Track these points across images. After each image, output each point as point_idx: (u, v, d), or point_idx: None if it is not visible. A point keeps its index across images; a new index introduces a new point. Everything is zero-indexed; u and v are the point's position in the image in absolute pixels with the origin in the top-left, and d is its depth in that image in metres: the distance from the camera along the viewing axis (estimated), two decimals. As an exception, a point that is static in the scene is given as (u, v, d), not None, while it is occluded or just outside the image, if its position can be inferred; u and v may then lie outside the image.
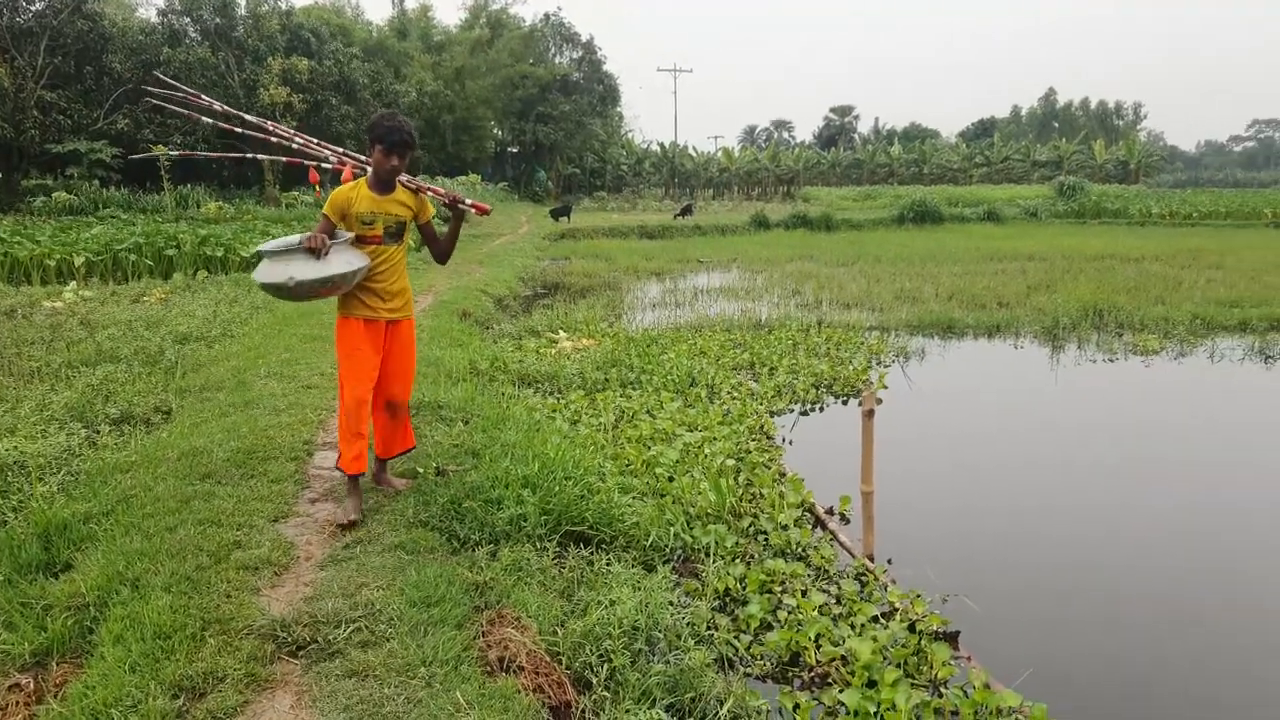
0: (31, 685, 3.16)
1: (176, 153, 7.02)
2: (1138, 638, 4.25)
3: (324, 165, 5.06)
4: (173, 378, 7.77)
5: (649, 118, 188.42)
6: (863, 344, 10.69)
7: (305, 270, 3.98)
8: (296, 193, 31.57)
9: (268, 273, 4.03)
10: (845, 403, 8.35)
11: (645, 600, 3.64)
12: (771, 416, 7.59)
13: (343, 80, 35.24)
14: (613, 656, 3.27)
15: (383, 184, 4.27)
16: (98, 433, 6.06)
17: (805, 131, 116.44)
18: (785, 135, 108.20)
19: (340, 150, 5.01)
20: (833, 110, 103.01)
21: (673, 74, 66.95)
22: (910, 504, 5.93)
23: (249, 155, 6.16)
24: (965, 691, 3.41)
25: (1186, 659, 4.06)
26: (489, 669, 3.11)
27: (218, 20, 32.10)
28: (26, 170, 28.74)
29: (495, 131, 54.95)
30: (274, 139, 5.12)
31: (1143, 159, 68.19)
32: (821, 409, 8.13)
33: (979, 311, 12.99)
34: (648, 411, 7.31)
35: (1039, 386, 9.39)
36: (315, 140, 5.05)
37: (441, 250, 4.64)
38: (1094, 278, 16.15)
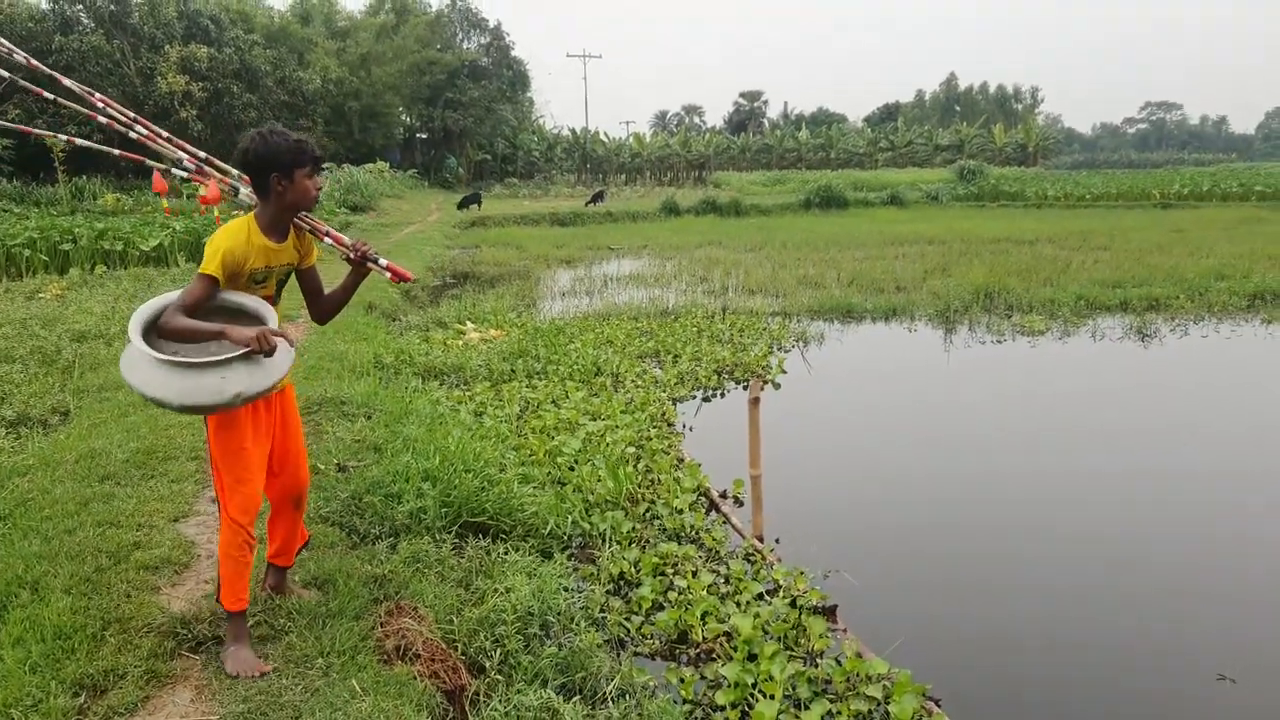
0: (-72, 692, 3.20)
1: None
2: (1006, 609, 4.59)
3: (175, 171, 3.76)
4: (70, 377, 7.64)
5: (560, 104, 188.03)
6: (765, 330, 11.05)
7: (252, 378, 2.85)
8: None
9: (186, 387, 2.80)
10: (745, 388, 8.68)
11: (540, 587, 3.84)
12: (674, 404, 7.86)
13: (244, 68, 34.28)
14: (506, 641, 3.47)
15: (281, 226, 3.18)
16: (-7, 434, 5.97)
17: (716, 117, 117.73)
18: (696, 120, 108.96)
19: (201, 154, 3.72)
20: (742, 95, 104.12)
21: (582, 60, 66.85)
22: (801, 485, 6.28)
23: (61, 138, 4.22)
24: (838, 661, 3.71)
25: (1049, 627, 4.40)
26: (386, 658, 3.28)
27: (112, 7, 30.88)
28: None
29: (404, 118, 54.11)
30: (102, 119, 3.75)
31: (1040, 142, 70.91)
32: (723, 395, 8.44)
33: (877, 296, 13.52)
34: (553, 401, 7.50)
35: (928, 369, 9.89)
36: (164, 134, 3.75)
37: (328, 309, 3.47)
38: (988, 261, 16.87)
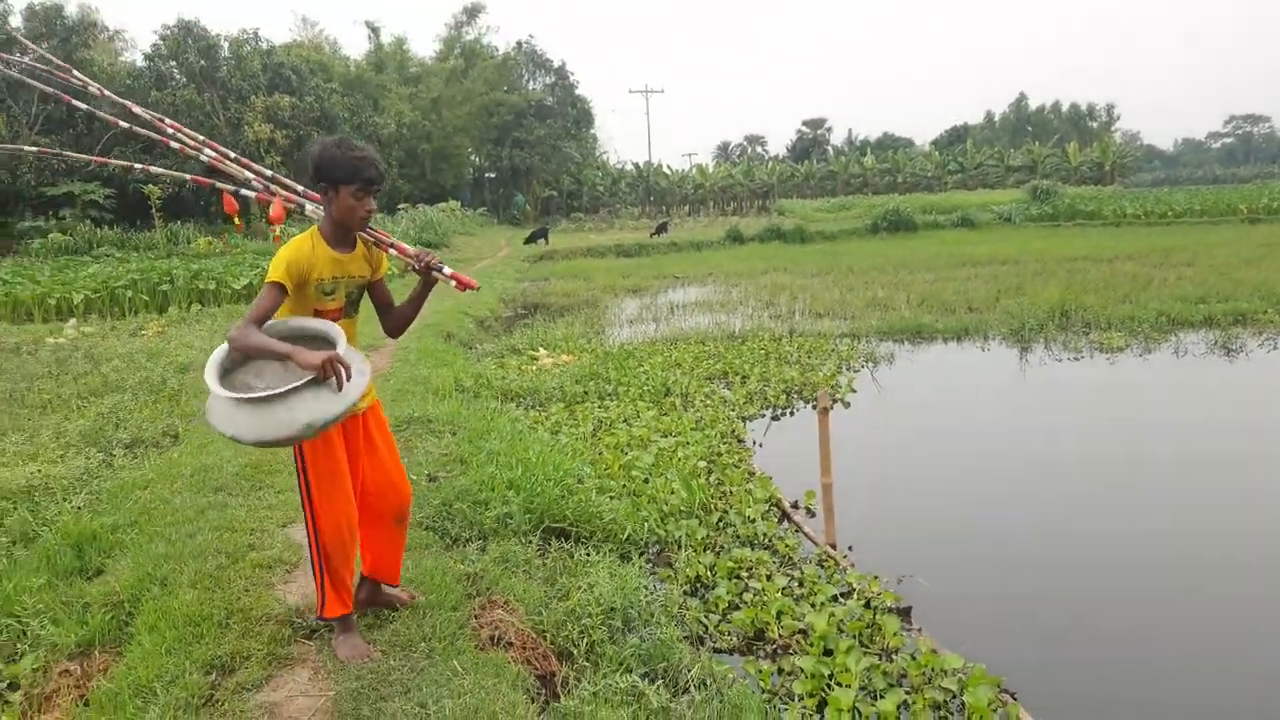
0: (79, 670, 3.58)
1: (34, 149, 4.57)
2: (1078, 614, 4.59)
3: (244, 192, 3.77)
4: (177, 404, 8.18)
5: (623, 138, 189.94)
6: (833, 351, 11.16)
7: (321, 405, 2.79)
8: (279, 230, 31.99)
9: (254, 422, 2.78)
10: (814, 407, 8.81)
11: (621, 584, 4.07)
12: (743, 422, 8.04)
13: (323, 115, 35.81)
14: (591, 632, 3.70)
15: (346, 238, 3.18)
16: (113, 456, 6.48)
17: (779, 145, 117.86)
18: (759, 150, 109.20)
19: (268, 173, 3.76)
20: (805, 123, 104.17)
21: (644, 95, 67.81)
22: (873, 498, 6.39)
23: (136, 167, 4.65)
24: (913, 657, 3.84)
25: (1126, 635, 4.40)
26: (481, 645, 3.53)
27: (202, 62, 32.65)
28: (22, 213, 29.08)
29: (473, 158, 55.65)
30: (174, 144, 3.83)
31: (1118, 160, 69.29)
32: (791, 413, 8.59)
33: (948, 316, 13.48)
34: (624, 421, 7.75)
35: (1001, 386, 9.89)
36: (232, 155, 3.81)
37: (400, 321, 3.45)
38: (1064, 279, 16.65)
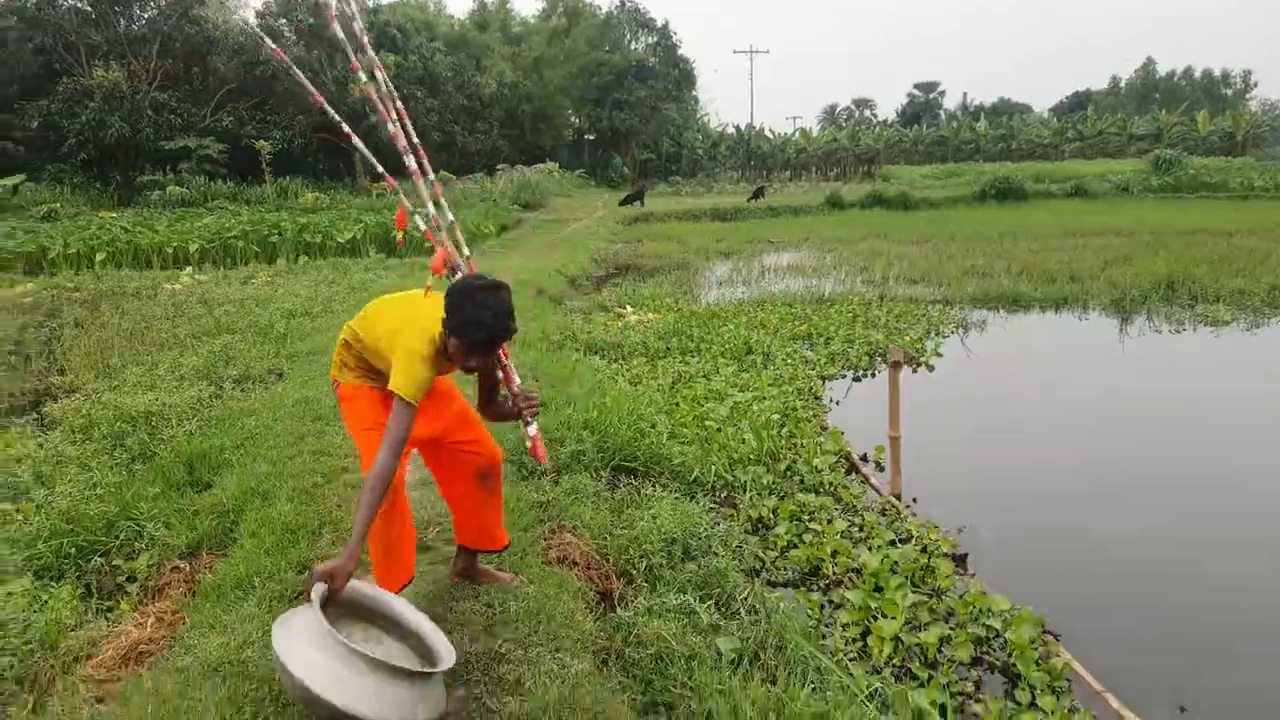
0: (187, 568, 3.98)
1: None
2: (1139, 577, 4.57)
3: (418, 219, 3.35)
4: (283, 345, 8.70)
5: (725, 100, 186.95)
6: (923, 316, 11.04)
7: (431, 704, 2.52)
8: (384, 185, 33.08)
9: (353, 690, 2.35)
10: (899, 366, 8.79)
11: (684, 518, 4.26)
12: (822, 381, 8.09)
13: (427, 74, 36.55)
14: (651, 557, 3.91)
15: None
16: (222, 389, 6.99)
17: (888, 109, 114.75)
18: (867, 114, 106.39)
19: (450, 217, 3.30)
20: (917, 86, 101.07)
21: (749, 55, 66.68)
22: (944, 456, 6.41)
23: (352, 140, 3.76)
24: (961, 597, 3.93)
25: (1182, 603, 4.37)
26: (548, 563, 3.78)
27: (310, 20, 33.66)
28: (142, 167, 30.76)
29: (572, 120, 55.90)
30: (392, 127, 3.32)
31: (1251, 130, 65.17)
32: (873, 375, 8.58)
33: (1048, 286, 13.11)
34: (704, 375, 7.90)
35: (1092, 355, 9.65)
36: (431, 175, 3.33)
37: (492, 414, 3.27)
38: (1176, 252, 15.96)
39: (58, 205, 24.11)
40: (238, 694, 2.64)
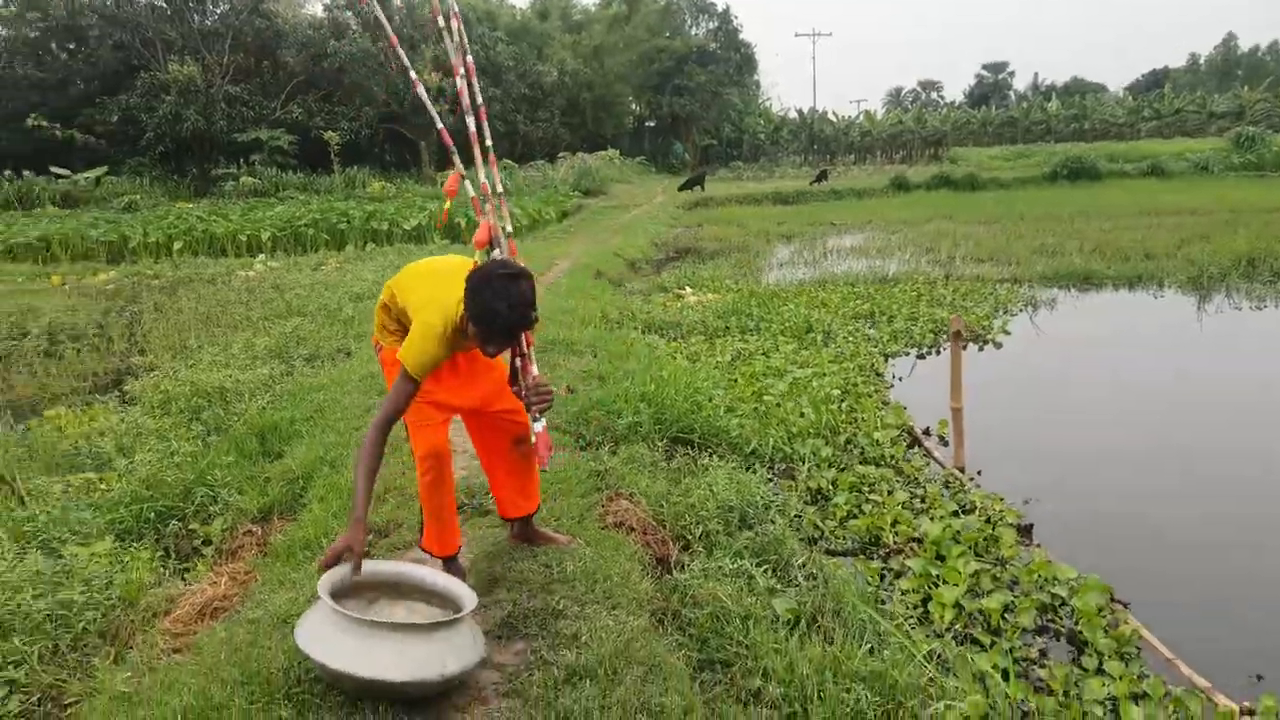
0: (260, 532, 4.11)
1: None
2: (1210, 556, 4.43)
3: (467, 185, 3.28)
4: (350, 327, 8.91)
5: (787, 84, 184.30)
6: (991, 295, 10.81)
7: (461, 653, 2.53)
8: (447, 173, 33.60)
9: (374, 659, 2.39)
10: (964, 348, 8.63)
11: (741, 488, 4.26)
12: (885, 359, 7.99)
13: (489, 63, 36.85)
14: (708, 523, 3.92)
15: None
16: (293, 366, 7.21)
17: (955, 91, 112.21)
18: (934, 96, 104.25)
19: (499, 188, 3.24)
20: (985, 67, 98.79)
21: (811, 38, 65.80)
22: (1010, 432, 6.29)
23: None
24: (1026, 565, 3.85)
25: (1260, 579, 4.22)
26: (606, 527, 3.82)
27: (374, 13, 34.23)
28: (216, 159, 31.69)
29: (633, 107, 55.84)
30: (460, 80, 3.25)
31: (1339, 104, 62.17)
32: (937, 352, 8.44)
33: (1122, 264, 12.74)
34: (763, 353, 7.86)
35: (1169, 333, 9.38)
36: (488, 142, 3.27)
37: (515, 392, 3.15)
38: (1257, 230, 15.35)
39: (137, 197, 24.95)
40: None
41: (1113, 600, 3.54)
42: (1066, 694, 2.92)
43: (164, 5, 31.38)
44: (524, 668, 2.71)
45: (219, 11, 32.15)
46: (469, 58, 3.27)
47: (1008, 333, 9.02)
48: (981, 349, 8.47)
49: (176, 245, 17.75)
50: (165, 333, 9.29)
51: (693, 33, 55.94)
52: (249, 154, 31.40)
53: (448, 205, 3.62)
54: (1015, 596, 3.58)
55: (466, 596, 2.75)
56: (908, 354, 8.35)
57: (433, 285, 2.96)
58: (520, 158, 37.10)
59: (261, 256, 16.67)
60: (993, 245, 15.29)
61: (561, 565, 3.27)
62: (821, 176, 35.06)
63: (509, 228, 3.18)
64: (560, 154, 39.06)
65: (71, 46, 31.27)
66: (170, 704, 2.49)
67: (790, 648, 2.85)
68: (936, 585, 3.60)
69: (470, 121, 3.23)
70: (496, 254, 3.11)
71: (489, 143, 3.28)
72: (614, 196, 31.70)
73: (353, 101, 32.85)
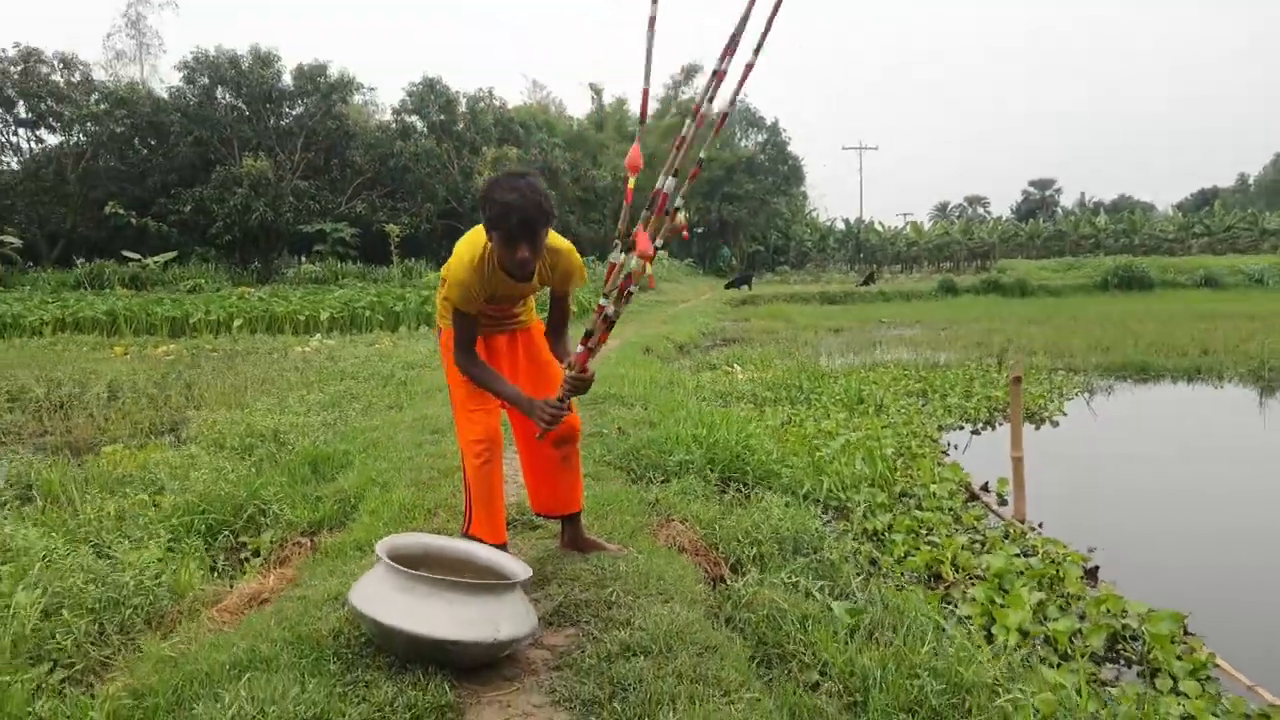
0: (309, 544, 4.10)
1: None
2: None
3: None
4: (404, 388, 9.03)
5: (835, 195, 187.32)
6: (1047, 380, 10.65)
7: (514, 620, 2.53)
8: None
9: (425, 616, 2.39)
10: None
11: (795, 518, 4.16)
12: (940, 429, 7.85)
13: (546, 167, 38.17)
14: (761, 547, 3.82)
15: (515, 272, 2.93)
16: (346, 416, 7.27)
17: (1002, 207, 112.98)
18: (980, 211, 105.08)
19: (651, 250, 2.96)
20: (1032, 183, 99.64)
21: (858, 151, 67.23)
22: (1072, 501, 6.09)
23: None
24: (1094, 599, 3.67)
25: None
26: (659, 545, 3.74)
27: (441, 116, 35.82)
28: (280, 250, 32.92)
29: (681, 215, 56.99)
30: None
31: (1396, 224, 61.43)
32: (993, 428, 8.29)
33: (1179, 359, 12.53)
34: (814, 420, 7.78)
35: (1230, 419, 9.12)
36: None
37: (556, 347, 3.30)
38: (1319, 333, 15.02)
39: (202, 281, 25.87)
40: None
41: (1186, 633, 3.35)
42: (1140, 707, 2.74)
43: (243, 107, 33.18)
44: (575, 646, 2.63)
45: (294, 114, 33.90)
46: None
47: (1064, 413, 8.84)
48: (1038, 427, 8.29)
49: (236, 322, 18.28)
50: (222, 390, 9.48)
51: (742, 144, 57.51)
52: (312, 245, 32.54)
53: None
54: (1083, 625, 3.40)
55: (520, 569, 2.73)
56: (962, 428, 8.21)
57: (468, 238, 3.07)
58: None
59: (318, 336, 17.07)
60: (1045, 341, 15.12)
61: (614, 566, 3.20)
62: (869, 279, 35.32)
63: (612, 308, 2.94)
64: (611, 252, 39.85)
65: (153, 142, 32.99)
66: (216, 659, 2.46)
67: (851, 647, 2.73)
68: (1001, 609, 3.44)
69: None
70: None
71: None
72: (662, 292, 32.11)
73: (414, 197, 34.08)
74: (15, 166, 32.78)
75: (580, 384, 2.95)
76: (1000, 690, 2.50)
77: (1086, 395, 10.08)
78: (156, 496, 5.00)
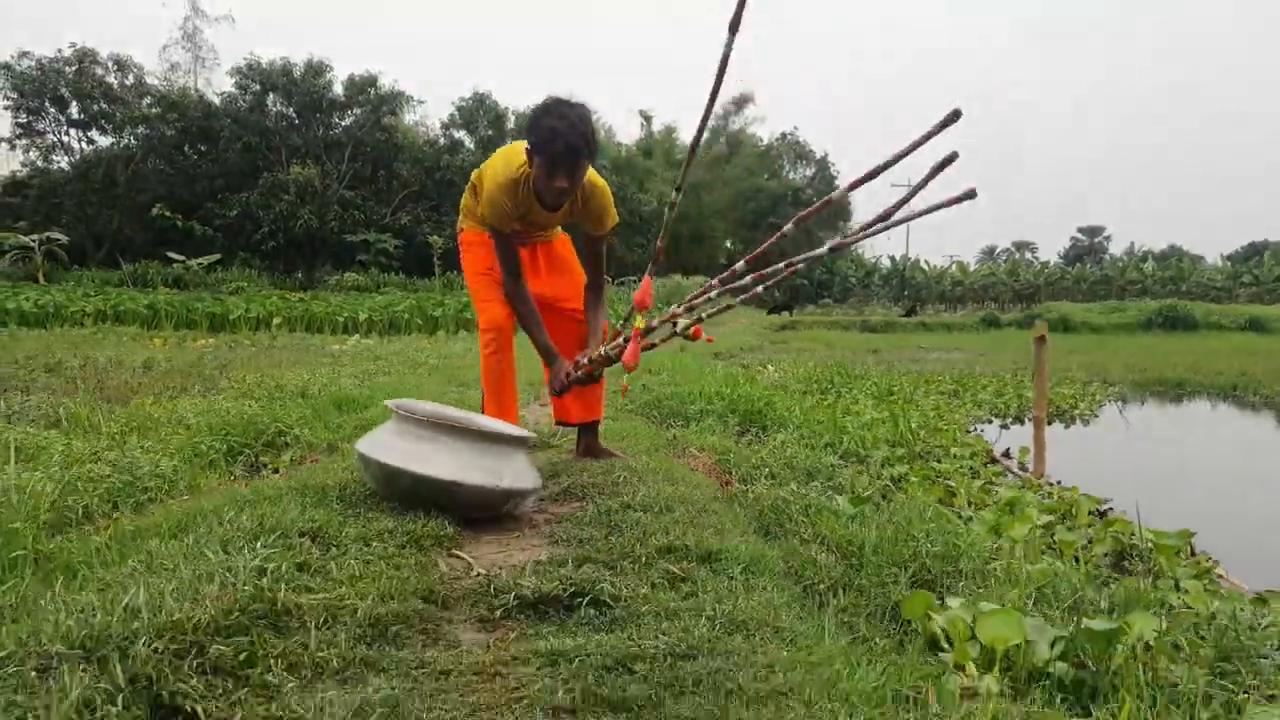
0: (327, 461, 4.16)
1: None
2: None
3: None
4: (434, 372, 9.14)
5: (882, 235, 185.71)
6: (1082, 388, 10.51)
7: (518, 474, 2.61)
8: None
9: (429, 458, 2.46)
10: (1050, 423, 8.34)
11: (810, 453, 4.16)
12: (969, 421, 7.77)
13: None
14: (774, 472, 3.81)
15: (547, 202, 3.00)
16: (376, 382, 7.39)
17: (1050, 253, 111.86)
18: (1027, 256, 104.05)
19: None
20: (1080, 230, 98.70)
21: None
22: (1098, 471, 6.00)
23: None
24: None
25: None
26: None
27: (490, 132, 36.37)
28: (325, 259, 33.50)
29: (726, 243, 57.27)
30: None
31: None
32: (1023, 423, 8.18)
33: (1216, 376, 12.29)
34: (843, 406, 7.74)
35: (1264, 423, 8.94)
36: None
37: (591, 298, 3.35)
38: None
39: (244, 284, 26.41)
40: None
41: (1193, 552, 3.30)
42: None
43: (293, 115, 33.95)
44: (579, 511, 2.66)
45: (343, 124, 34.61)
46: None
47: (1095, 415, 8.72)
48: (1068, 426, 8.18)
49: (275, 320, 18.63)
50: (256, 367, 9.65)
51: (790, 177, 57.69)
52: (355, 255, 33.11)
53: (639, 323, 2.87)
54: (1091, 540, 3.35)
55: (525, 434, 2.77)
56: (990, 421, 8.11)
57: (506, 153, 3.10)
58: (613, 277, 38.22)
59: (356, 336, 17.31)
60: (1083, 364, 14.91)
61: (624, 464, 3.23)
62: (912, 311, 35.11)
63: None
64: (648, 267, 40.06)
65: (203, 147, 33.73)
66: (222, 503, 2.53)
67: (852, 527, 2.73)
68: (1010, 519, 3.40)
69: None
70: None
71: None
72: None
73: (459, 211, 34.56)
74: (66, 167, 33.54)
75: (597, 370, 3.06)
76: (994, 559, 2.48)
77: (1120, 404, 9.92)
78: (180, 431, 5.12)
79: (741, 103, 54.54)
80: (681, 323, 2.80)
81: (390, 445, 2.51)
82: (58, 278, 27.00)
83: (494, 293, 3.21)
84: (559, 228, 3.47)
